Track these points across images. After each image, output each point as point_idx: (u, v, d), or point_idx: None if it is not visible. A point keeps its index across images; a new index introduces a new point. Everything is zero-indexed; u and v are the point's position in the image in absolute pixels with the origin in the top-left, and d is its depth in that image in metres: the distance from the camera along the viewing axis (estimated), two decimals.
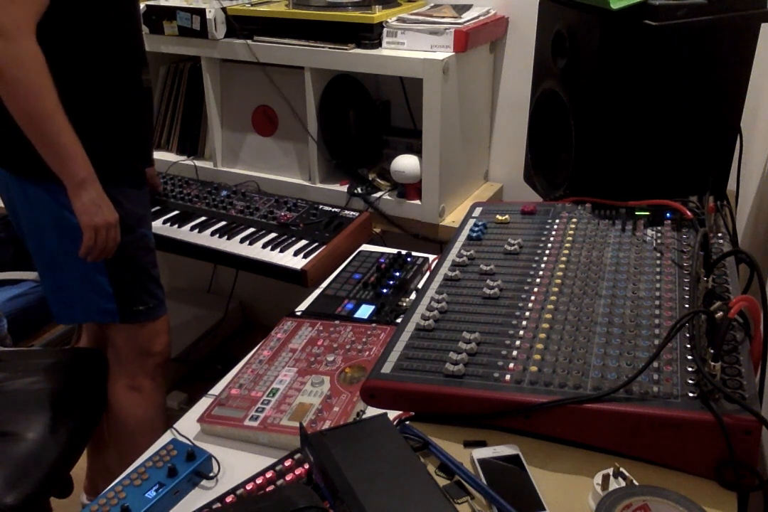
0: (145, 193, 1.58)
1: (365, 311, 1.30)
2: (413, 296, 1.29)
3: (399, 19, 1.84)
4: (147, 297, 1.58)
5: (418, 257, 1.50)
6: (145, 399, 1.65)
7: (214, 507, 0.84)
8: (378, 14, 1.82)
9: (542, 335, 0.93)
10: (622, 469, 0.77)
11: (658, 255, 1.09)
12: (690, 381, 0.81)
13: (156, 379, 1.67)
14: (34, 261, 1.54)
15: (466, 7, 1.97)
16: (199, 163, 2.23)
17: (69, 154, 1.31)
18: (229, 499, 0.85)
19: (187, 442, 1.02)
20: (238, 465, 0.98)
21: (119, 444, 1.71)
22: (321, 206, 1.94)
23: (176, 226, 1.90)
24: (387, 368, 0.91)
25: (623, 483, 0.76)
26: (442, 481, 0.79)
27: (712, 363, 0.80)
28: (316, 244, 1.78)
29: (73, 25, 1.34)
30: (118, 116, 1.45)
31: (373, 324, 1.23)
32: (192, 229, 1.89)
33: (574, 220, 1.23)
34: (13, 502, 1.26)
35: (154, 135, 1.60)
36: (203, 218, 1.93)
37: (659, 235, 1.15)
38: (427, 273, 1.23)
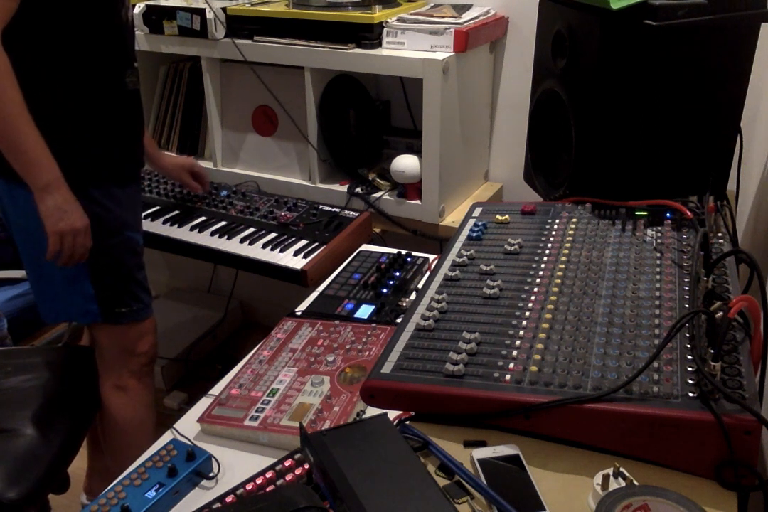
0: (133, 195, 1.58)
1: (365, 311, 1.30)
2: (413, 296, 1.29)
3: (399, 19, 1.84)
4: (130, 300, 1.58)
5: (418, 257, 1.50)
6: (132, 398, 1.66)
7: (214, 507, 0.84)
8: (378, 14, 1.82)
9: (542, 335, 0.93)
10: (622, 469, 0.77)
11: (658, 255, 1.09)
12: (690, 381, 0.81)
13: (142, 379, 1.68)
14: (22, 261, 1.55)
15: (466, 7, 1.97)
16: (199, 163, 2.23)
17: (32, 158, 1.30)
18: (229, 499, 0.84)
19: (187, 442, 1.02)
20: (238, 465, 0.98)
21: (111, 443, 1.72)
22: (321, 206, 1.94)
23: (176, 226, 1.90)
24: (387, 368, 0.91)
25: (623, 483, 0.76)
26: (442, 481, 0.79)
27: (712, 363, 0.80)
28: (316, 244, 1.78)
29: (49, 28, 1.34)
30: (98, 118, 1.45)
31: (373, 324, 1.23)
32: (192, 229, 1.89)
33: (574, 220, 1.23)
34: (15, 497, 1.28)
35: (143, 136, 1.59)
36: (203, 218, 1.93)
37: (659, 235, 1.15)
38: (427, 274, 1.23)
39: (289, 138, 2.08)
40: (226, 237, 1.84)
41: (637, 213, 1.22)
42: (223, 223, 1.91)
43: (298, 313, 1.31)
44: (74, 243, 1.38)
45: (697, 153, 1.27)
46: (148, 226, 1.87)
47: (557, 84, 1.35)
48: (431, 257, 1.49)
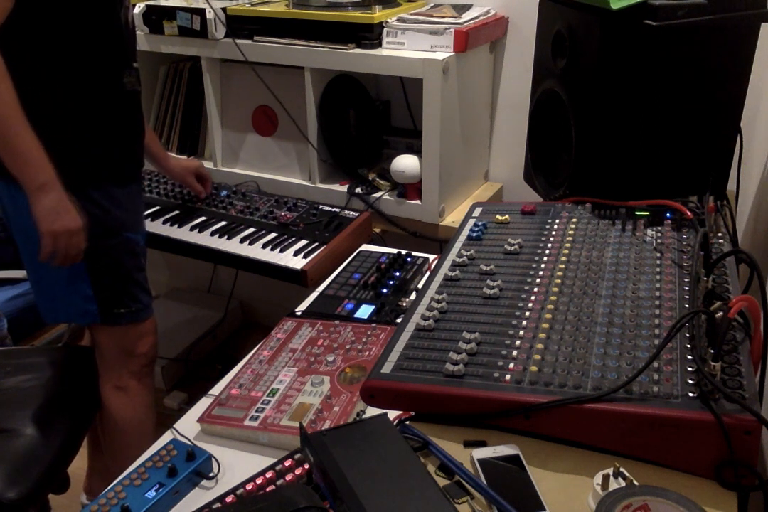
0: (133, 195, 1.58)
1: (365, 311, 1.30)
2: (413, 296, 1.29)
3: (399, 19, 1.84)
4: (129, 301, 1.58)
5: (418, 257, 1.50)
6: (132, 399, 1.66)
7: (214, 507, 0.84)
8: (378, 14, 1.82)
9: (542, 335, 0.93)
10: (622, 469, 0.77)
11: (658, 255, 1.09)
12: (690, 381, 0.81)
13: (142, 380, 1.68)
14: (22, 261, 1.55)
15: (466, 7, 1.97)
16: None
17: (27, 159, 1.30)
18: (229, 499, 0.84)
19: (187, 442, 1.02)
20: (238, 465, 0.98)
21: (111, 443, 1.73)
22: (321, 206, 1.94)
23: (176, 226, 1.90)
24: (387, 368, 0.91)
25: (623, 483, 0.76)
26: (442, 481, 0.79)
27: (712, 363, 0.80)
28: (316, 244, 1.78)
29: (46, 28, 1.34)
30: (96, 118, 1.45)
31: (373, 324, 1.23)
32: (192, 229, 1.89)
33: (574, 219, 1.23)
34: (15, 496, 1.28)
35: (143, 136, 1.59)
36: (203, 218, 1.93)
37: (659, 235, 1.15)
38: (427, 273, 1.23)
39: (289, 138, 2.08)
40: (226, 237, 1.84)
41: (637, 213, 1.22)
42: (223, 223, 1.90)
43: (298, 313, 1.31)
44: (68, 244, 1.38)
45: (697, 153, 1.27)
46: (148, 225, 1.86)
47: (557, 84, 1.35)
48: (431, 257, 1.49)
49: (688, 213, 1.18)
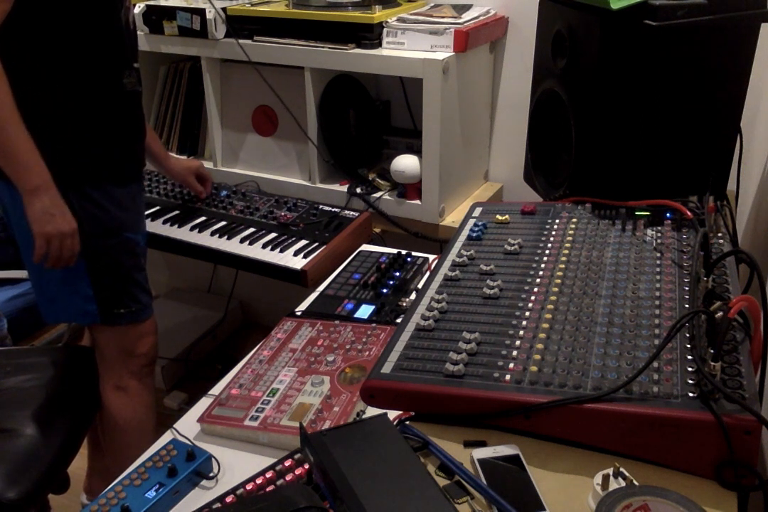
0: (134, 195, 1.58)
1: (365, 311, 1.30)
2: (413, 296, 1.29)
3: (399, 19, 1.84)
4: (129, 301, 1.58)
5: (418, 257, 1.50)
6: (132, 399, 1.66)
7: (214, 507, 0.84)
8: (378, 14, 1.82)
9: (542, 335, 0.93)
10: (622, 469, 0.77)
11: (658, 255, 1.09)
12: (690, 381, 0.81)
13: (142, 380, 1.68)
14: (23, 261, 1.55)
15: (466, 7, 1.97)
16: None
17: (22, 162, 1.31)
18: (229, 499, 0.85)
19: (187, 442, 1.02)
20: (238, 465, 0.98)
21: (111, 443, 1.73)
22: (321, 206, 1.94)
23: (176, 226, 1.90)
24: (387, 368, 0.91)
25: (623, 483, 0.76)
26: (442, 481, 0.79)
27: (712, 363, 0.80)
28: (316, 244, 1.78)
29: (46, 29, 1.34)
30: (96, 119, 1.45)
31: (373, 324, 1.23)
32: (192, 229, 1.89)
33: (574, 219, 1.23)
34: (15, 496, 1.28)
35: (143, 136, 1.59)
36: (203, 218, 1.93)
37: (659, 235, 1.15)
38: (427, 273, 1.23)
39: (289, 138, 2.08)
40: (226, 237, 1.84)
41: (637, 213, 1.22)
42: (223, 223, 1.91)
43: (298, 313, 1.31)
44: (61, 246, 1.39)
45: (697, 153, 1.27)
46: (148, 225, 1.86)
47: (557, 84, 1.35)
48: (431, 257, 1.49)
49: (688, 213, 1.18)
